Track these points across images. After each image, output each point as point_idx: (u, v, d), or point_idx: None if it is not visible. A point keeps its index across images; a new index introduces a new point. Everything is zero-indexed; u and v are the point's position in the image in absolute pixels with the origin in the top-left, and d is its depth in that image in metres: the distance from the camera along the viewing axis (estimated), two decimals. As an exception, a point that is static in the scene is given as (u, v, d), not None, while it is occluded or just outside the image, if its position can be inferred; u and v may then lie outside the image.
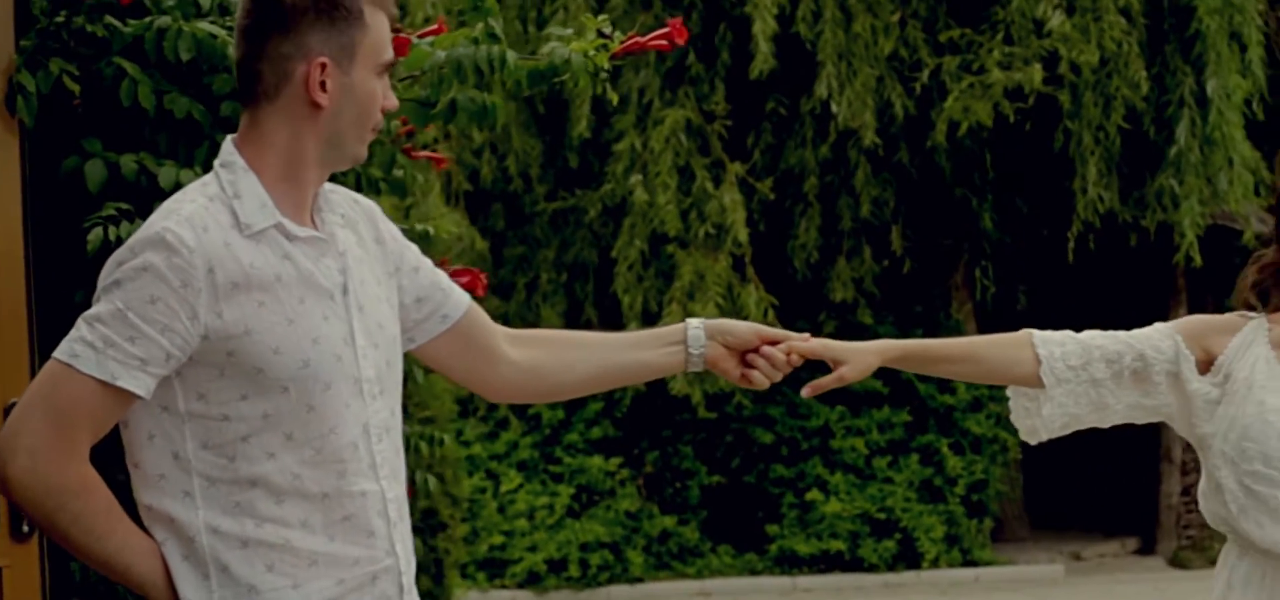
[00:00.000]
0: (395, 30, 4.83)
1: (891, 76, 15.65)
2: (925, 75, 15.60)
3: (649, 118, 15.75)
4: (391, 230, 3.77)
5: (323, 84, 3.45)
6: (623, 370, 3.96)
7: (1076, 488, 19.10)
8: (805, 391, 4.05)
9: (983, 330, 16.72)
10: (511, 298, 16.72)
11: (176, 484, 3.41)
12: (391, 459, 3.60)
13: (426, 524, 12.94)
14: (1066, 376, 4.07)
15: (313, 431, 3.46)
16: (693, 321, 3.93)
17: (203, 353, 3.37)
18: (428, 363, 3.92)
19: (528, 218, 16.90)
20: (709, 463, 16.97)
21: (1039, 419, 4.11)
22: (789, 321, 14.57)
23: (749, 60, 15.33)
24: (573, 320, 16.51)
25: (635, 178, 15.68)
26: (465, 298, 3.84)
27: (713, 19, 15.81)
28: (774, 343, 3.93)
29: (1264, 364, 4.00)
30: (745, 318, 13.77)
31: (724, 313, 15.13)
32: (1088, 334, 4.13)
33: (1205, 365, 4.06)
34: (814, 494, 16.65)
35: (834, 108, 15.39)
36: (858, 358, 4.02)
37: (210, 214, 3.41)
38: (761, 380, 3.93)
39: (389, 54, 3.57)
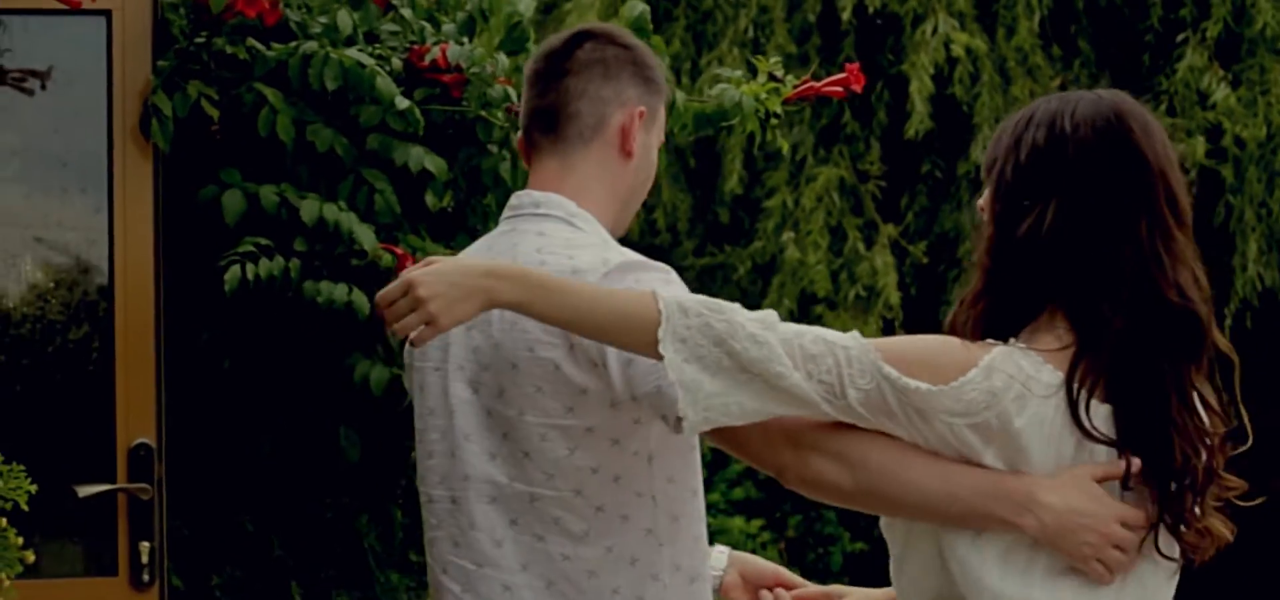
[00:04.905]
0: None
1: (1052, 142, 15.30)
2: (1086, 142, 15.24)
3: (802, 175, 15.48)
4: None
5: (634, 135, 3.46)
6: None
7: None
8: None
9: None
10: (656, 353, 16.49)
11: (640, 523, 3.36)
12: None
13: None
14: None
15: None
16: (717, 547, 3.81)
17: None
18: None
19: (676, 272, 16.64)
20: (852, 529, 16.66)
21: None
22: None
23: (905, 120, 15.01)
24: (717, 378, 16.27)
25: (787, 235, 15.42)
26: None
27: (870, 77, 15.49)
28: (789, 587, 3.71)
29: None
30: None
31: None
32: None
33: None
34: (958, 566, 16.30)
35: (991, 171, 15.04)
36: None
37: None
38: None
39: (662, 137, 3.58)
